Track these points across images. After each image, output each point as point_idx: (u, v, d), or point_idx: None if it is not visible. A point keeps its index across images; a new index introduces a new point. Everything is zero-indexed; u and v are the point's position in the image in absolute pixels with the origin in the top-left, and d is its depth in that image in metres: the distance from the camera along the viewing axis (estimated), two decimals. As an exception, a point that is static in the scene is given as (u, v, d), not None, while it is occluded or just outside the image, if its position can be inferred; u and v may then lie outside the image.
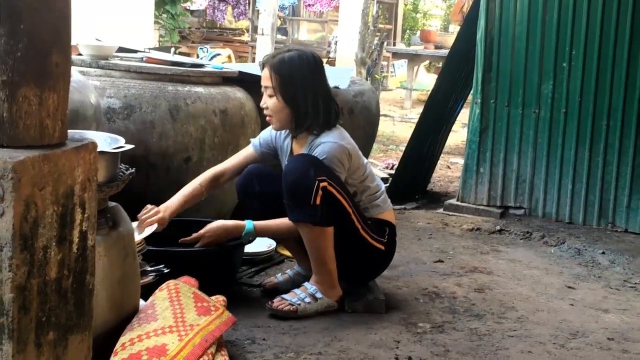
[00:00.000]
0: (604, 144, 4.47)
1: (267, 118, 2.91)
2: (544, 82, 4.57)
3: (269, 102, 2.86)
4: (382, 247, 2.92)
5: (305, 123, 2.85)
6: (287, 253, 3.42)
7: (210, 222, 2.97)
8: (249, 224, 2.87)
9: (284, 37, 14.88)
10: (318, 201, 2.69)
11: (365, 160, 3.01)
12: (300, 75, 2.83)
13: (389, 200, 3.05)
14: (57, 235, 1.55)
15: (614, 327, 2.89)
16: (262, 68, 2.88)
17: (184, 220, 3.15)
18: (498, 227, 4.40)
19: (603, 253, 3.97)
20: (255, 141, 3.10)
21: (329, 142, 2.81)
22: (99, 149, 1.71)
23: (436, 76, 5.69)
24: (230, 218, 3.35)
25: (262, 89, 2.88)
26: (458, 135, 8.03)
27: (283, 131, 2.99)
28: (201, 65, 3.72)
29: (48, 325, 1.55)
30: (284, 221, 2.84)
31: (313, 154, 2.82)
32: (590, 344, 2.70)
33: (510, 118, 4.67)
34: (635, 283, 3.52)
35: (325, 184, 2.70)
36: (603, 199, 4.51)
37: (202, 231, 2.89)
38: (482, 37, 4.65)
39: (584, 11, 4.41)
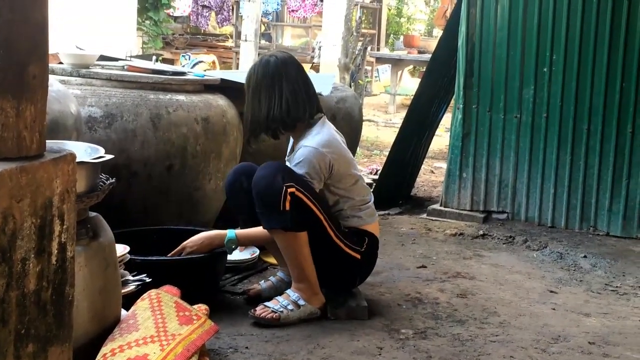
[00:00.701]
0: (585, 148, 4.50)
1: None
2: (525, 87, 4.60)
3: None
4: (358, 256, 2.92)
5: (267, 126, 2.91)
6: (270, 260, 3.43)
7: (192, 230, 2.99)
8: (230, 232, 2.88)
9: (268, 43, 14.89)
10: (287, 207, 2.70)
11: (359, 172, 3.02)
12: (253, 81, 2.93)
13: (375, 215, 3.06)
14: (36, 247, 1.54)
15: (595, 331, 2.91)
16: None
17: (167, 229, 3.16)
18: (481, 232, 4.42)
19: (585, 257, 3.99)
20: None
21: (309, 147, 2.84)
22: (78, 160, 1.70)
23: (419, 81, 5.72)
24: (214, 226, 3.35)
25: None
26: (442, 139, 8.06)
27: None
28: (183, 73, 3.72)
29: (27, 337, 1.55)
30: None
31: (295, 157, 2.86)
32: (572, 348, 2.72)
33: (492, 123, 4.70)
34: (617, 286, 3.55)
35: (293, 189, 2.71)
36: (585, 202, 4.54)
37: (184, 243, 2.90)
38: (464, 43, 4.68)
39: (564, 16, 4.45)
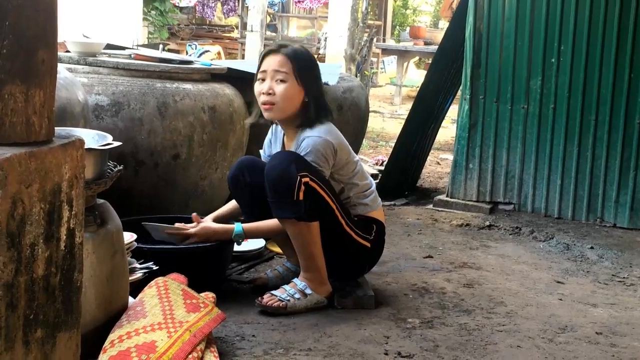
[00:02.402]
0: (592, 139, 4.49)
1: (266, 106, 2.85)
2: (532, 77, 4.58)
3: (278, 87, 2.82)
4: (368, 244, 2.92)
5: (312, 113, 2.87)
6: (276, 249, 3.43)
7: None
8: (237, 226, 2.87)
9: (274, 34, 14.88)
10: (301, 196, 2.69)
11: (357, 158, 3.01)
12: (313, 65, 2.93)
13: (379, 200, 3.05)
14: (45, 233, 1.54)
15: (602, 322, 2.90)
16: (267, 55, 2.87)
17: (173, 217, 3.16)
18: (487, 223, 4.41)
19: (592, 248, 3.99)
20: (262, 152, 3.14)
21: (314, 137, 2.82)
22: (86, 146, 1.70)
23: (426, 72, 5.70)
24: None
25: (266, 75, 2.84)
26: (447, 131, 8.05)
27: (279, 127, 2.99)
28: (189, 62, 3.72)
29: (36, 322, 1.55)
30: (272, 222, 2.85)
31: (299, 147, 2.83)
32: (579, 338, 2.71)
33: (499, 114, 4.68)
34: (624, 277, 3.54)
35: (307, 179, 2.70)
36: (592, 193, 4.53)
37: (191, 231, 2.90)
38: (471, 34, 4.66)
39: (572, 7, 4.43)
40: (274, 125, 3.06)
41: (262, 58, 2.89)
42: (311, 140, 2.82)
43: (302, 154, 2.81)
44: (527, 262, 3.72)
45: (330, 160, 2.83)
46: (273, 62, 2.84)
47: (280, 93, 2.82)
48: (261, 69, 2.87)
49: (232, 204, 3.10)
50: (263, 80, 2.85)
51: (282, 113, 2.87)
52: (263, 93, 2.84)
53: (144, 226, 2.88)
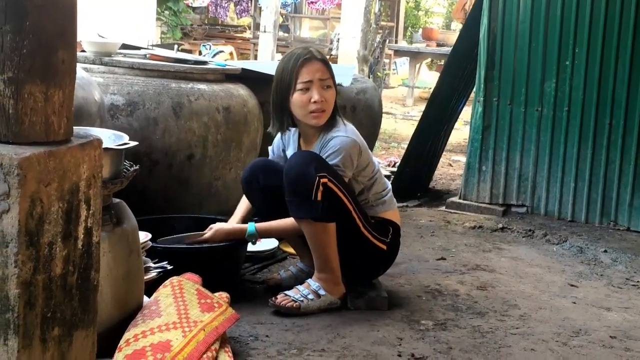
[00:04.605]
0: (606, 142, 4.47)
1: (318, 114, 2.84)
2: (546, 80, 4.56)
3: (328, 94, 2.85)
4: (384, 247, 2.92)
5: (337, 112, 2.93)
6: (290, 250, 3.43)
7: (212, 218, 2.99)
8: (250, 226, 2.88)
9: (286, 35, 14.88)
10: (319, 197, 2.69)
11: (374, 159, 3.02)
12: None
13: (394, 200, 3.06)
14: (63, 232, 1.55)
15: (616, 325, 2.89)
16: (305, 64, 2.83)
17: (187, 217, 3.17)
18: (500, 225, 4.40)
19: (605, 251, 3.97)
20: (270, 150, 3.14)
21: (341, 136, 2.82)
22: (103, 146, 1.71)
23: (438, 74, 5.70)
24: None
25: (311, 85, 2.82)
26: (460, 133, 8.03)
27: (293, 130, 2.99)
28: (204, 63, 3.73)
29: (53, 321, 1.56)
30: (286, 221, 2.85)
31: (326, 147, 2.82)
32: (593, 342, 2.70)
33: (512, 116, 4.67)
34: (638, 281, 3.52)
35: (325, 180, 2.70)
36: (605, 197, 4.51)
37: (205, 237, 2.90)
38: (485, 35, 4.65)
39: (587, 9, 4.41)
40: (286, 134, 3.05)
41: (298, 68, 2.83)
42: (339, 140, 2.82)
43: (329, 153, 2.81)
44: (541, 265, 3.71)
45: (355, 161, 2.84)
46: (315, 70, 2.83)
47: (330, 99, 2.86)
48: (303, 79, 2.82)
49: (245, 202, 3.10)
50: (307, 89, 2.82)
51: (327, 117, 2.88)
52: (315, 101, 2.82)
53: (159, 246, 2.82)
